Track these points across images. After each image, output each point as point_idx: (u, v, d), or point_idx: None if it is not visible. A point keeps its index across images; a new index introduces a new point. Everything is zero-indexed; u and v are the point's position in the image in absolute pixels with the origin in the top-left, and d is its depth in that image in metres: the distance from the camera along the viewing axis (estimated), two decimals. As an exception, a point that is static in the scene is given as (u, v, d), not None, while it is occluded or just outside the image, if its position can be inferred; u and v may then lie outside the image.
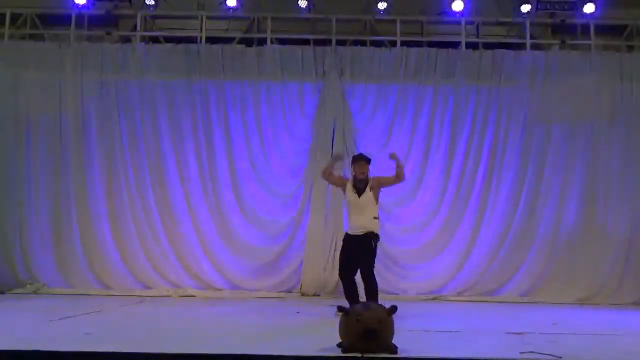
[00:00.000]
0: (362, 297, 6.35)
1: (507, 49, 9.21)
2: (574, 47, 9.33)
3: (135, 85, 8.99)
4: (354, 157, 6.85)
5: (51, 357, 3.75)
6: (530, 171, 8.86)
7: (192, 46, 9.11)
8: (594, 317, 6.92)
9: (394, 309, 4.03)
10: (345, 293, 6.49)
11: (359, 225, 6.45)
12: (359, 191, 6.50)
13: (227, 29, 9.48)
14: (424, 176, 8.92)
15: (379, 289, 8.49)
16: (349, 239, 6.52)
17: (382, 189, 6.69)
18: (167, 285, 8.58)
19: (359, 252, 6.43)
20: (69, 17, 9.19)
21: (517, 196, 8.81)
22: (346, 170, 8.04)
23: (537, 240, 8.72)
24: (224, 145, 8.94)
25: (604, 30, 9.34)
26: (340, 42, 9.22)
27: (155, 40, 9.36)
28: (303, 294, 8.56)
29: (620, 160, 8.83)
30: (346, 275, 6.48)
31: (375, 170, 8.92)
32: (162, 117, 8.94)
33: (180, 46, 9.12)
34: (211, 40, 9.21)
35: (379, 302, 4.23)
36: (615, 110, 8.95)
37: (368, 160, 6.63)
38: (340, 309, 4.13)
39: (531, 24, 9.29)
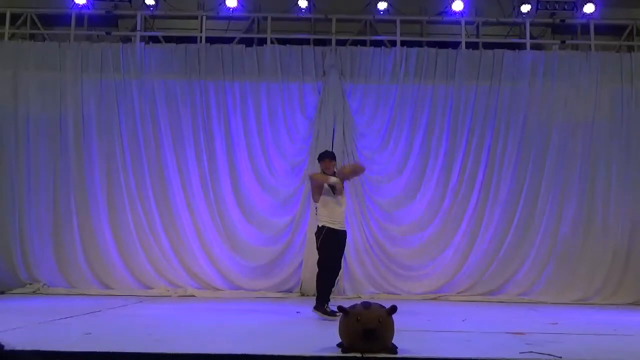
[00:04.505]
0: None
1: (507, 49, 9.20)
2: (574, 47, 9.36)
3: (135, 85, 8.99)
4: (320, 155, 6.73)
5: (51, 357, 3.74)
6: (530, 171, 8.86)
7: (192, 46, 9.12)
8: (594, 317, 6.91)
9: (394, 309, 4.03)
10: (327, 286, 6.31)
11: (342, 220, 6.44)
12: (334, 189, 6.45)
13: (227, 29, 9.49)
14: (424, 176, 8.93)
15: (379, 288, 8.63)
16: (336, 234, 6.37)
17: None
18: (167, 285, 8.60)
19: (342, 248, 6.53)
20: (69, 17, 9.22)
21: (517, 196, 8.82)
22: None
23: (537, 241, 8.72)
24: (223, 145, 8.95)
25: (604, 30, 9.35)
26: (340, 42, 9.23)
27: (155, 40, 9.36)
28: (303, 294, 8.56)
29: (620, 160, 8.84)
30: (336, 269, 6.49)
31: (375, 171, 8.97)
32: (162, 117, 8.95)
33: (180, 46, 9.13)
34: (211, 40, 9.22)
35: (379, 302, 4.21)
36: (615, 110, 8.96)
37: (333, 157, 6.64)
38: (340, 309, 4.13)
39: (531, 24, 9.30)
